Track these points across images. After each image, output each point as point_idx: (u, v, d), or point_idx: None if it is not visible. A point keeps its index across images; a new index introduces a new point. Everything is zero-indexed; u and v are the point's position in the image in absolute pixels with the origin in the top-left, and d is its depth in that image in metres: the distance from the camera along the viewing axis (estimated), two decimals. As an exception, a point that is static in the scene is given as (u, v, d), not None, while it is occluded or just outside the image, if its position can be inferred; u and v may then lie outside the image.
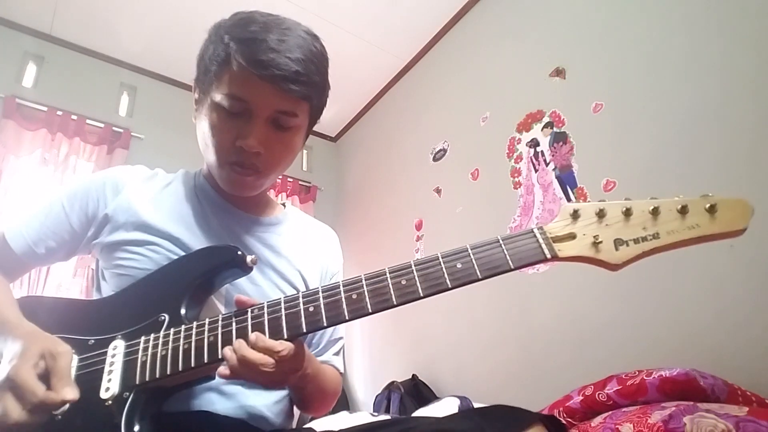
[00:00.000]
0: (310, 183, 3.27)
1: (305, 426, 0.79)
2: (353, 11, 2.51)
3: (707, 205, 0.51)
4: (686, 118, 1.45)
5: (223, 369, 0.56)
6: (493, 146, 2.16)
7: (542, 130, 1.94)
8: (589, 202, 0.57)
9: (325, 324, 0.57)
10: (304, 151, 3.42)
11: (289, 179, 3.12)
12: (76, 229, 0.76)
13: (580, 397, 1.16)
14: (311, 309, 0.57)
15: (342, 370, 0.86)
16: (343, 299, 0.57)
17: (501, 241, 0.55)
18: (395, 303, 0.55)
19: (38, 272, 2.15)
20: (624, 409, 1.05)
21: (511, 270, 0.54)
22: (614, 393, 1.11)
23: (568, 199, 1.76)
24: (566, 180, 1.79)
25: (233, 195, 0.80)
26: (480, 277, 0.54)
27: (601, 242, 0.53)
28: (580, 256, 0.54)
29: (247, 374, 0.55)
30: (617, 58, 1.70)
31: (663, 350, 1.37)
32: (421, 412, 1.81)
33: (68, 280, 2.23)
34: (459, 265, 0.55)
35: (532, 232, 0.56)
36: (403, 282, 0.55)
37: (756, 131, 1.28)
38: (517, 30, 2.19)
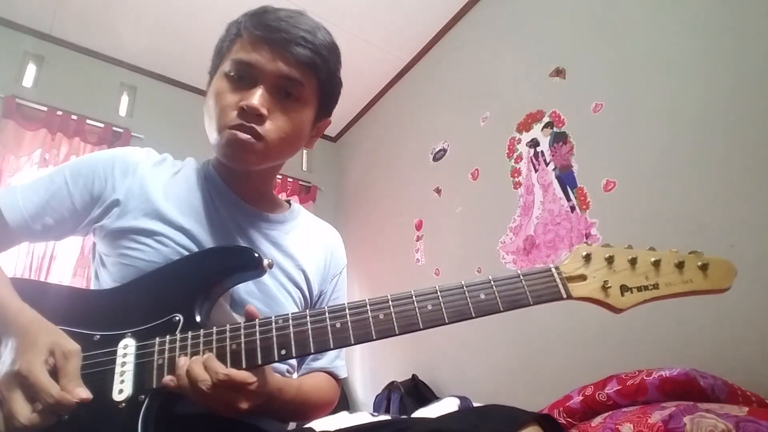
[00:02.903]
0: (310, 183, 3.27)
1: (305, 426, 0.79)
2: (354, 12, 2.51)
3: (699, 263, 0.58)
4: (687, 117, 1.45)
5: (167, 379, 0.55)
6: (493, 146, 2.16)
7: (542, 130, 1.94)
8: (598, 246, 0.63)
9: (352, 342, 0.57)
10: (304, 151, 3.42)
11: (289, 179, 3.12)
12: (77, 208, 0.71)
13: (580, 397, 1.16)
14: (338, 325, 0.58)
15: (342, 375, 0.84)
16: (370, 318, 0.58)
17: (521, 277, 0.59)
18: (421, 327, 0.57)
19: (38, 271, 2.15)
20: (624, 409, 1.05)
21: (530, 305, 0.58)
22: (614, 393, 1.11)
23: (568, 200, 1.76)
24: (566, 180, 1.79)
25: (241, 187, 0.78)
26: (502, 309, 0.58)
27: (610, 287, 0.59)
28: (590, 297, 0.59)
29: (186, 388, 0.54)
30: (617, 58, 1.70)
31: (663, 350, 1.37)
32: (421, 412, 1.81)
33: (68, 280, 2.23)
34: (482, 296, 0.58)
35: (550, 271, 0.60)
36: (429, 307, 0.58)
37: (757, 131, 1.28)
38: (517, 30, 2.18)
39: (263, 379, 0.58)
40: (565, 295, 0.59)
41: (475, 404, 1.72)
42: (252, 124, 0.67)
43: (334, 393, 0.82)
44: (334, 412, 0.87)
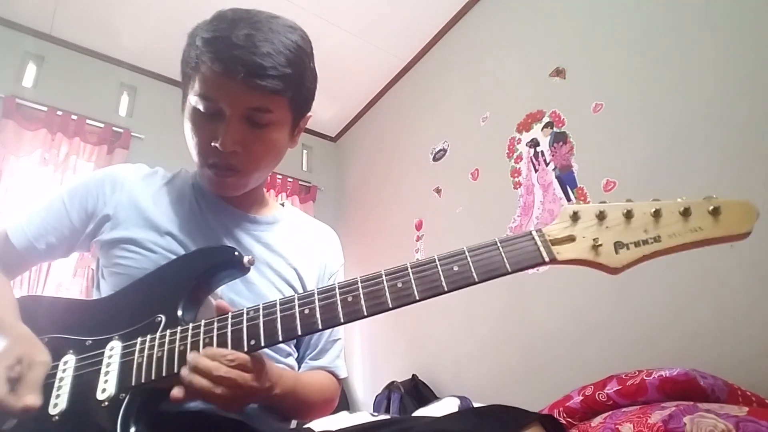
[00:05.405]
0: (310, 183, 3.27)
1: (304, 426, 0.79)
2: (353, 11, 2.51)
3: (710, 208, 0.49)
4: (686, 117, 1.45)
5: (176, 391, 0.55)
6: (493, 146, 2.16)
7: (542, 130, 1.94)
8: (589, 203, 0.55)
9: (320, 326, 0.56)
10: (304, 151, 3.42)
11: (289, 179, 3.12)
12: (75, 226, 0.77)
13: (580, 397, 1.16)
14: (306, 311, 0.56)
15: (342, 375, 0.84)
16: (339, 302, 0.56)
17: (498, 244, 0.54)
18: (390, 306, 0.54)
19: (38, 272, 2.14)
20: (624, 409, 1.05)
21: (509, 273, 0.53)
22: (614, 393, 1.11)
23: (568, 199, 1.76)
24: (566, 180, 1.79)
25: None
26: (477, 280, 0.53)
27: (600, 245, 0.52)
28: (579, 259, 0.52)
29: (201, 388, 0.54)
30: (617, 58, 1.70)
31: (663, 350, 1.37)
32: (421, 412, 1.81)
33: (68, 280, 2.23)
34: (456, 268, 0.54)
35: (531, 234, 0.54)
36: (399, 285, 0.55)
37: (756, 131, 1.28)
38: (517, 30, 2.19)
39: (261, 361, 0.59)
40: (547, 258, 0.52)
41: (475, 404, 1.72)
42: (228, 161, 0.70)
43: (334, 391, 0.82)
44: (334, 411, 0.87)
